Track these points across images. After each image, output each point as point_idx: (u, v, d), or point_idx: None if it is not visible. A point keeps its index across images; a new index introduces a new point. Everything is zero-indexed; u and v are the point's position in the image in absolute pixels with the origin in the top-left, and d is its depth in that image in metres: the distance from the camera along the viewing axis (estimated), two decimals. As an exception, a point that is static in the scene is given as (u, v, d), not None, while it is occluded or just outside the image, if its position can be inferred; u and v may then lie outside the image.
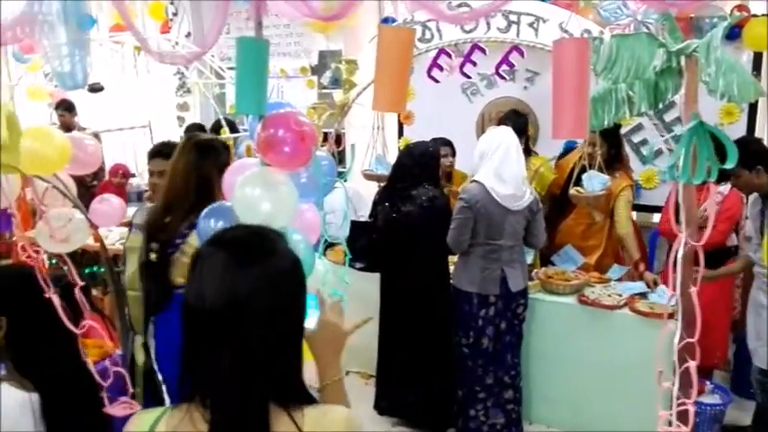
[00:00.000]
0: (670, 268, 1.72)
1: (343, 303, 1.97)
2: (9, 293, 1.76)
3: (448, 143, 4.23)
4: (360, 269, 3.52)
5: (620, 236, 3.76)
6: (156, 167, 2.75)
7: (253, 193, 1.88)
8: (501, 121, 3.95)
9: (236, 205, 1.93)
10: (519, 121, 3.98)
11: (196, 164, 2.46)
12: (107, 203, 2.81)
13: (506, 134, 3.15)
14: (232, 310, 0.99)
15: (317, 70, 6.04)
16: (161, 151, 2.78)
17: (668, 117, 4.41)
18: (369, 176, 4.22)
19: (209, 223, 2.04)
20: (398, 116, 5.38)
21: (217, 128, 5.35)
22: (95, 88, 5.23)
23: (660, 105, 2.11)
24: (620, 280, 3.70)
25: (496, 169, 3.08)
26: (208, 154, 2.50)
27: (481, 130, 5.04)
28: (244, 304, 1.00)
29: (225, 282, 1.01)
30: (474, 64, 3.93)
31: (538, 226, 3.26)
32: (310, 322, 1.19)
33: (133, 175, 6.56)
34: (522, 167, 3.15)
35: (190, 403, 1.04)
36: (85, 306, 2.07)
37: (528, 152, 4.12)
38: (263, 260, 1.05)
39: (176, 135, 7.06)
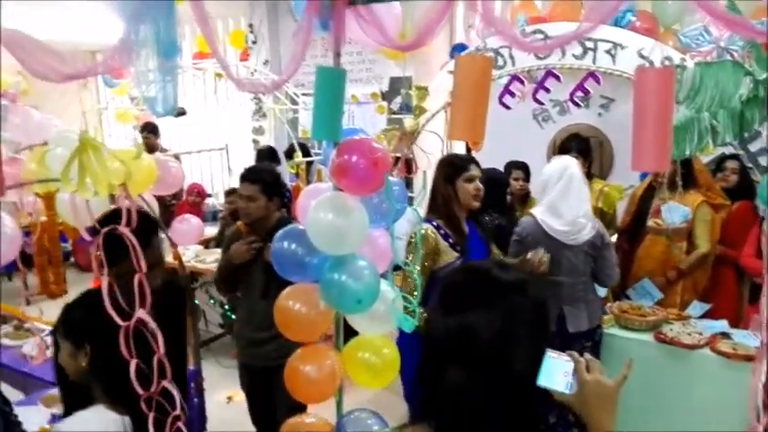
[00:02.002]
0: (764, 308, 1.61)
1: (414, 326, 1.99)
2: (92, 320, 1.74)
3: (521, 166, 4.17)
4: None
5: (698, 258, 3.56)
6: (243, 191, 2.86)
7: (325, 218, 1.92)
8: (562, 146, 3.83)
9: (309, 228, 1.97)
10: (581, 144, 3.82)
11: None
12: (186, 223, 2.94)
13: (569, 166, 3.01)
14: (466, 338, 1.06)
15: (388, 96, 6.13)
16: (248, 176, 2.90)
17: (754, 147, 4.18)
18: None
19: (283, 245, 2.09)
20: (467, 142, 5.36)
21: (290, 152, 5.51)
22: (179, 112, 5.51)
23: (745, 135, 2.01)
24: (702, 317, 3.51)
25: (553, 202, 2.95)
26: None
27: (552, 156, 4.96)
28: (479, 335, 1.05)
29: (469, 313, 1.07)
30: (547, 90, 3.88)
31: (606, 263, 3.05)
32: (562, 384, 1.15)
33: (209, 195, 6.85)
34: (583, 201, 2.97)
35: (419, 423, 1.08)
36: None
37: (589, 176, 3.99)
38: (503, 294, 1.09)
39: (251, 157, 7.33)
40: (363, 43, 2.06)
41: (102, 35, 8.24)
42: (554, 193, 2.95)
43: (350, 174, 1.95)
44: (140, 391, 1.59)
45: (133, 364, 1.60)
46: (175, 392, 1.65)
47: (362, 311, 1.98)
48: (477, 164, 2.81)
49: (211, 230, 5.91)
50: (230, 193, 6.14)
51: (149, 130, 6.52)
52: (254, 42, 6.71)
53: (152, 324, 1.65)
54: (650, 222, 3.49)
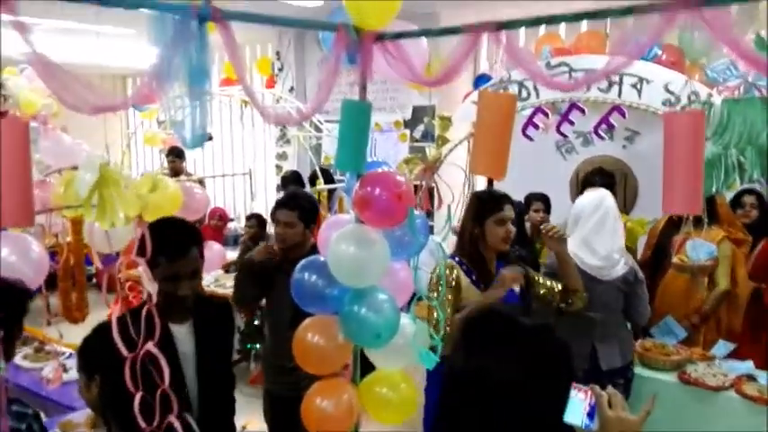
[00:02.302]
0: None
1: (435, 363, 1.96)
2: (101, 351, 1.76)
3: (541, 198, 4.14)
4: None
5: (717, 297, 3.48)
6: (281, 217, 2.88)
7: (347, 250, 1.91)
8: (586, 180, 3.76)
9: (331, 260, 1.97)
10: (605, 179, 3.73)
11: None
12: (208, 250, 2.96)
13: (604, 199, 2.95)
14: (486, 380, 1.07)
15: (411, 124, 6.17)
16: (286, 203, 2.92)
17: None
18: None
19: (304, 276, 2.09)
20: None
21: (313, 178, 5.54)
22: (206, 138, 5.57)
23: (773, 171, 1.97)
24: (727, 358, 3.41)
25: (587, 237, 2.89)
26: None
27: (576, 188, 4.92)
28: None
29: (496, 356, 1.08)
30: (571, 123, 3.87)
31: (639, 300, 2.97)
32: (583, 420, 1.13)
33: (231, 220, 6.91)
34: (618, 236, 2.91)
35: None
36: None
37: None
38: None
39: (274, 183, 7.39)
40: (390, 78, 2.07)
41: (132, 60, 8.46)
42: (588, 226, 2.88)
43: (372, 206, 1.95)
44: (143, 424, 1.58)
45: (138, 396, 1.60)
46: (179, 428, 1.64)
47: (381, 346, 1.96)
48: (512, 202, 2.68)
49: (232, 254, 5.95)
50: (251, 217, 6.19)
51: (175, 154, 6.63)
52: (281, 69, 6.82)
53: (160, 357, 1.65)
54: (675, 259, 3.43)
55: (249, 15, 1.73)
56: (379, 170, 2.03)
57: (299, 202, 2.91)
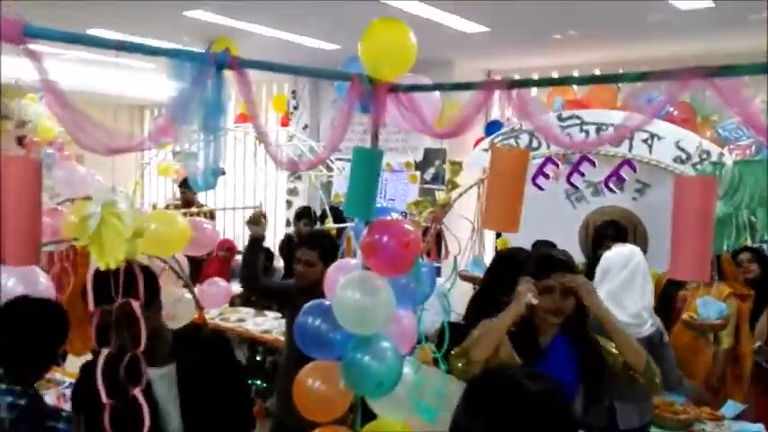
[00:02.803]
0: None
1: (435, 417, 1.93)
2: (83, 392, 1.77)
3: (548, 245, 4.12)
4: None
5: (723, 357, 3.42)
6: (301, 256, 2.89)
7: (352, 296, 1.91)
8: (599, 233, 3.71)
9: (336, 306, 1.96)
10: (619, 232, 3.66)
11: None
12: (215, 286, 2.97)
13: (635, 254, 2.84)
14: None
15: (422, 166, 6.21)
16: (308, 242, 2.93)
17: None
18: (465, 278, 4.18)
19: (308, 320, 2.08)
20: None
21: (322, 216, 5.56)
22: (220, 173, 5.63)
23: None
24: (737, 418, 3.33)
25: (615, 292, 2.78)
26: None
27: (585, 237, 4.90)
28: None
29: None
30: (582, 174, 3.88)
31: (664, 363, 2.75)
32: None
33: (239, 252, 6.91)
34: (648, 296, 2.80)
35: None
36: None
37: None
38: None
39: (283, 217, 7.43)
40: (402, 127, 2.10)
41: (151, 91, 8.61)
42: (617, 282, 2.80)
43: (379, 254, 1.95)
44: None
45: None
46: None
47: (383, 395, 1.94)
48: (551, 264, 2.21)
49: (238, 287, 5.94)
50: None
51: (187, 185, 6.68)
52: (296, 108, 6.93)
53: (144, 406, 1.63)
54: (684, 315, 3.38)
55: (265, 63, 1.77)
56: (388, 218, 2.04)
57: (320, 242, 2.94)
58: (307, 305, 2.12)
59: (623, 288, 2.78)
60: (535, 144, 3.60)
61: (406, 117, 1.96)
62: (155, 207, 6.34)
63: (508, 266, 2.87)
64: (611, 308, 2.71)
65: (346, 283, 1.95)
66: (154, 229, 2.37)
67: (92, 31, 5.60)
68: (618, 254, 2.89)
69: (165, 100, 1.63)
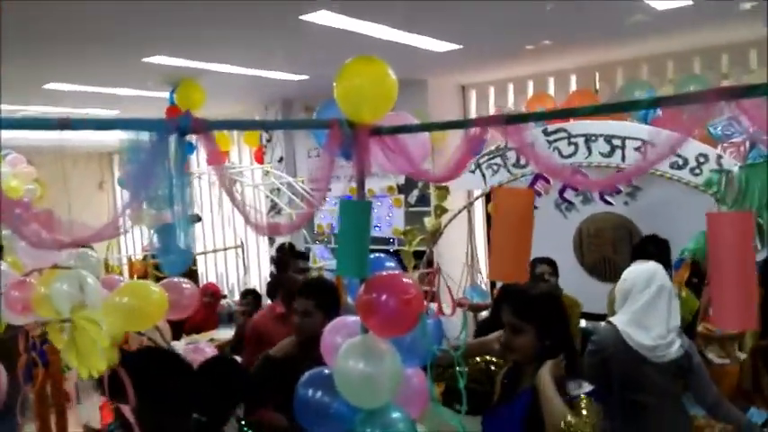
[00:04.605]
0: None
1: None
2: None
3: (546, 261, 3.96)
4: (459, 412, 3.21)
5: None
6: (298, 306, 2.68)
7: (356, 367, 1.72)
8: (638, 248, 3.18)
9: (338, 380, 1.77)
10: (660, 248, 3.11)
11: None
12: (200, 353, 2.75)
13: (657, 273, 2.69)
14: None
15: (404, 189, 6.05)
16: (303, 290, 2.73)
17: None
18: (462, 305, 4.01)
19: (308, 393, 1.88)
20: (488, 234, 5.23)
21: (304, 254, 5.37)
22: (194, 220, 5.42)
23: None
24: (765, 425, 3.18)
25: (638, 314, 2.63)
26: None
27: (578, 246, 4.77)
28: None
29: None
30: (575, 189, 3.74)
31: (699, 386, 2.67)
32: None
33: (224, 296, 6.67)
34: (674, 316, 2.65)
35: None
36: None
37: None
38: None
39: (266, 255, 7.20)
40: (389, 171, 1.93)
41: (117, 137, 8.42)
42: (640, 302, 2.63)
43: (379, 313, 1.77)
44: None
45: None
46: None
47: (399, 471, 1.74)
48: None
49: (226, 333, 5.69)
50: (246, 294, 5.96)
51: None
52: (269, 141, 6.74)
53: None
54: (700, 327, 3.23)
55: (234, 123, 1.61)
56: (385, 273, 1.86)
57: (316, 289, 2.73)
58: (305, 375, 1.93)
59: (647, 309, 2.61)
60: (523, 161, 3.46)
61: (392, 160, 1.79)
62: (130, 260, 6.09)
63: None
64: (634, 330, 2.61)
65: (347, 352, 1.76)
66: (128, 305, 2.18)
67: (49, 86, 5.37)
68: (639, 273, 2.71)
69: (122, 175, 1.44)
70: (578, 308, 3.39)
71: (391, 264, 2.06)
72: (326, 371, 1.91)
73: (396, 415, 1.77)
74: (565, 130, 3.33)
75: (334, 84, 1.81)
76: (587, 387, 1.91)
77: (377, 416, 1.75)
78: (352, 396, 1.74)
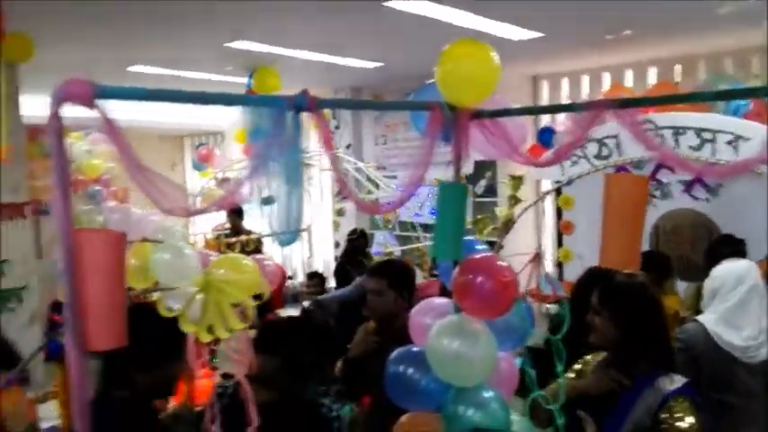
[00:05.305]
0: None
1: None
2: None
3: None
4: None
5: None
6: (370, 285, 2.74)
7: (450, 346, 1.75)
8: (712, 250, 3.10)
9: (431, 354, 1.81)
10: (735, 248, 3.00)
11: None
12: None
13: (750, 271, 2.61)
14: None
15: (472, 179, 6.03)
16: (376, 270, 2.78)
17: None
18: (535, 297, 3.98)
19: (399, 368, 1.93)
20: (558, 225, 5.15)
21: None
22: (268, 201, 5.55)
23: None
24: None
25: (728, 312, 2.56)
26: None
27: (655, 244, 4.64)
28: None
29: None
30: (660, 182, 3.64)
31: None
32: None
33: (290, 278, 6.85)
34: (765, 316, 2.56)
35: None
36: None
37: None
38: None
39: (331, 239, 7.33)
40: (487, 155, 1.94)
41: (190, 120, 8.64)
42: (731, 302, 2.57)
43: (475, 295, 1.79)
44: None
45: None
46: None
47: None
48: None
49: (292, 312, 5.84)
50: (313, 275, 6.10)
51: (236, 213, 6.67)
52: (337, 128, 6.83)
53: None
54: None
55: (344, 102, 1.65)
56: (479, 256, 1.88)
57: (389, 269, 2.77)
58: (396, 352, 1.97)
59: (738, 308, 2.54)
60: (605, 152, 3.39)
61: (493, 142, 1.80)
62: (205, 238, 6.31)
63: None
64: (724, 329, 2.54)
65: (441, 330, 1.79)
66: (226, 277, 2.28)
67: (133, 69, 5.61)
68: (730, 271, 2.63)
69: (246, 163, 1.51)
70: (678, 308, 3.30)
71: (482, 247, 2.08)
72: (415, 348, 1.95)
73: (489, 394, 1.80)
74: (651, 122, 3.25)
75: (435, 68, 1.83)
76: (680, 381, 1.89)
77: (470, 394, 1.78)
78: (447, 374, 1.77)
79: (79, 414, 1.27)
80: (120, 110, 1.29)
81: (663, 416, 1.76)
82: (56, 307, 5.66)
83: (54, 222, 1.20)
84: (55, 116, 1.15)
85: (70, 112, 1.20)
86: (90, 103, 1.18)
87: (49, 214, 7.32)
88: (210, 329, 1.44)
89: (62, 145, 1.18)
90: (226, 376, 1.52)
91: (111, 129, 1.23)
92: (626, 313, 1.97)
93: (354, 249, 4.87)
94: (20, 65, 3.80)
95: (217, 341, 1.58)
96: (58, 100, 1.14)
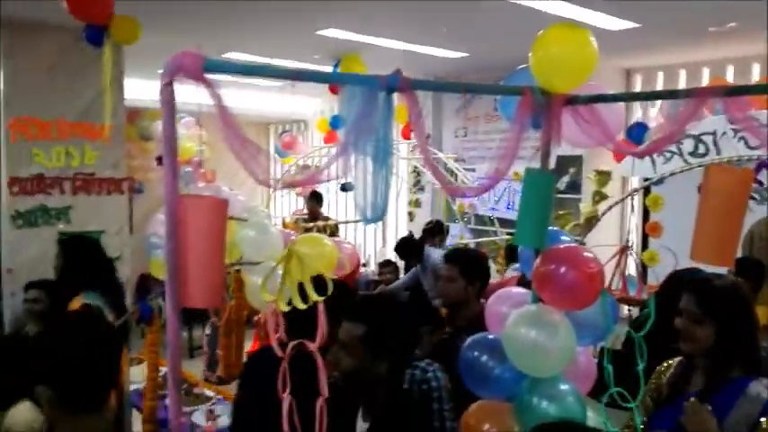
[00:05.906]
0: None
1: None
2: None
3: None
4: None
5: None
6: (442, 271, 2.77)
7: (527, 335, 1.72)
8: None
9: (507, 342, 1.79)
10: None
11: None
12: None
13: None
14: None
15: (555, 174, 5.88)
16: (449, 257, 2.81)
17: None
18: (620, 300, 3.85)
19: (473, 354, 1.92)
20: (643, 227, 4.93)
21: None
22: (347, 188, 5.66)
23: None
24: None
25: None
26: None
27: (749, 251, 4.36)
28: None
29: None
30: (760, 183, 3.42)
31: None
32: None
33: (364, 265, 6.93)
34: None
35: None
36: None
37: None
38: None
39: (405, 229, 7.35)
40: (578, 143, 1.89)
41: (275, 109, 8.89)
42: None
43: (556, 285, 1.76)
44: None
45: None
46: None
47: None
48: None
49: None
50: (386, 264, 6.15)
51: (315, 198, 6.82)
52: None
53: None
54: None
55: (434, 84, 1.65)
56: (563, 246, 1.84)
57: (462, 257, 2.77)
58: (471, 339, 1.97)
59: None
60: (702, 150, 3.22)
61: (587, 130, 1.75)
62: (284, 221, 6.50)
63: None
64: None
65: (519, 319, 1.77)
66: (307, 253, 2.35)
67: (227, 56, 5.82)
68: None
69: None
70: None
71: (566, 238, 2.03)
72: (490, 335, 1.94)
73: (565, 387, 1.76)
74: (756, 120, 3.03)
75: (530, 52, 1.80)
76: None
77: (545, 385, 1.75)
78: (522, 363, 1.75)
79: (171, 368, 1.35)
80: (206, 98, 1.36)
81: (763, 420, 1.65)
82: (143, 280, 6.02)
83: (145, 200, 1.28)
84: (168, 86, 1.21)
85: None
86: (199, 75, 1.24)
87: (142, 192, 7.80)
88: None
89: (173, 114, 1.25)
90: (300, 346, 1.55)
91: (216, 99, 1.29)
92: (731, 322, 1.80)
93: (427, 239, 4.87)
94: (124, 48, 4.03)
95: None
96: (171, 71, 1.21)
